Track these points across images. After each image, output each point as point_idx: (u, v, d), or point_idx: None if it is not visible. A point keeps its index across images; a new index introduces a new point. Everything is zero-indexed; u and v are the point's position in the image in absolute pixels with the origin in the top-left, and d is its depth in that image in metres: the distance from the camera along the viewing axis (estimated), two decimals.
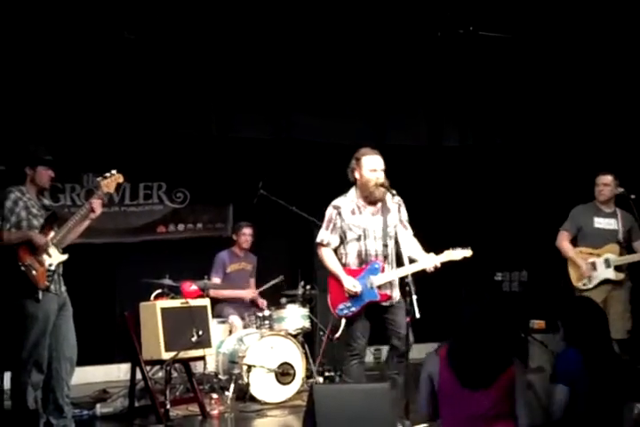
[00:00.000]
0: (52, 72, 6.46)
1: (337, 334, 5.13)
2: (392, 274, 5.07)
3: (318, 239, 5.19)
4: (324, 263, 5.18)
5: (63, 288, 5.22)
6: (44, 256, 5.02)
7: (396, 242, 5.15)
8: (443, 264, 5.06)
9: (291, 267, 7.86)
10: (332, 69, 7.12)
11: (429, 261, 5.02)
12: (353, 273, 5.09)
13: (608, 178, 6.27)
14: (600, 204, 6.33)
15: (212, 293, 6.95)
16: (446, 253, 5.07)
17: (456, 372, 3.36)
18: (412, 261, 5.05)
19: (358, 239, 5.10)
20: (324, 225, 5.19)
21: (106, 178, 5.33)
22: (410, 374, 4.94)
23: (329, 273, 5.19)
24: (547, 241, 6.71)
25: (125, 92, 6.87)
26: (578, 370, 3.46)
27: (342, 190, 5.26)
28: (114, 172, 5.36)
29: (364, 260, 5.10)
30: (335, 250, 5.17)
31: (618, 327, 5.99)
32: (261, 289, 7.41)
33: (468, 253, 5.08)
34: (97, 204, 5.24)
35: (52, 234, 5.12)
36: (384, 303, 5.08)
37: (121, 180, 5.41)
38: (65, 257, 5.18)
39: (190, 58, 6.76)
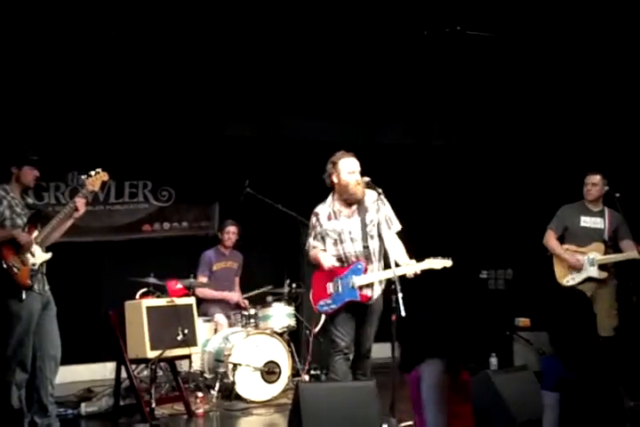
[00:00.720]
0: (38, 70, 6.43)
1: (316, 329, 5.18)
2: (374, 276, 5.13)
3: (307, 246, 5.34)
4: (312, 259, 5.26)
5: (47, 287, 5.20)
6: (28, 255, 5.00)
7: (381, 239, 5.19)
8: (423, 271, 5.10)
9: (277, 265, 7.85)
10: (319, 68, 7.11)
11: (410, 268, 5.07)
12: (337, 271, 5.15)
13: (596, 178, 6.30)
14: (588, 203, 6.37)
15: (199, 293, 6.93)
16: (427, 261, 5.11)
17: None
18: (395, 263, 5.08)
19: (335, 244, 5.20)
20: (310, 233, 5.35)
21: (91, 176, 5.32)
22: (396, 372, 4.96)
23: (313, 269, 5.28)
24: (532, 239, 6.73)
25: (112, 91, 6.86)
26: (564, 375, 3.45)
27: (329, 189, 5.31)
28: (99, 170, 5.35)
29: (343, 262, 5.18)
30: None
31: (604, 325, 6.01)
32: (248, 295, 7.36)
33: (448, 263, 5.12)
34: (81, 202, 5.22)
35: (35, 233, 5.10)
36: (365, 303, 5.14)
37: (106, 178, 5.40)
38: (48, 256, 5.16)
39: (178, 56, 6.74)
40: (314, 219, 5.29)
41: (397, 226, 5.32)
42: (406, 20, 6.82)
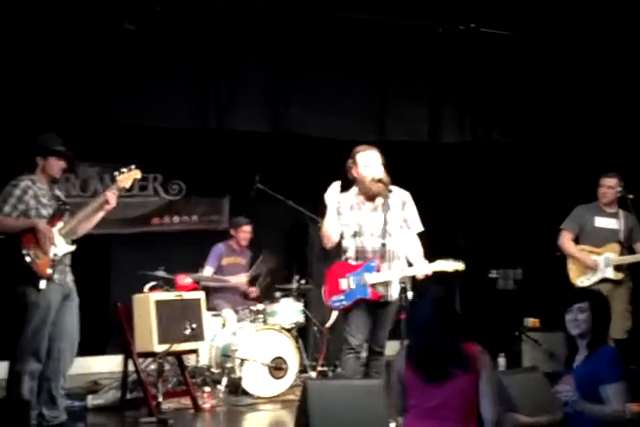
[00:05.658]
0: (50, 63, 6.39)
1: (327, 324, 5.16)
2: (386, 275, 5.04)
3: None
4: (324, 232, 5.16)
5: (69, 278, 5.19)
6: (50, 246, 4.98)
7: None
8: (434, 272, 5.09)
9: (286, 261, 7.83)
10: (331, 64, 7.07)
11: (421, 269, 5.06)
12: (350, 268, 5.10)
13: (613, 181, 6.25)
14: (603, 205, 6.32)
15: (204, 282, 6.91)
16: (438, 262, 5.07)
17: (416, 367, 3.48)
18: (408, 262, 5.11)
19: (354, 235, 5.13)
20: None
21: (123, 173, 5.31)
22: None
23: (325, 266, 5.21)
24: (542, 239, 6.69)
25: (123, 83, 6.81)
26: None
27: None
28: (132, 166, 5.33)
29: (360, 257, 5.11)
30: (339, 244, 5.20)
31: (617, 327, 5.96)
32: (251, 271, 7.33)
33: (460, 266, 5.08)
34: (112, 196, 5.21)
35: (60, 224, 5.09)
36: (380, 300, 5.08)
37: (138, 176, 5.39)
38: (72, 248, 5.16)
39: (189, 49, 6.70)
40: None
41: (419, 227, 5.27)
42: (421, 16, 6.81)
